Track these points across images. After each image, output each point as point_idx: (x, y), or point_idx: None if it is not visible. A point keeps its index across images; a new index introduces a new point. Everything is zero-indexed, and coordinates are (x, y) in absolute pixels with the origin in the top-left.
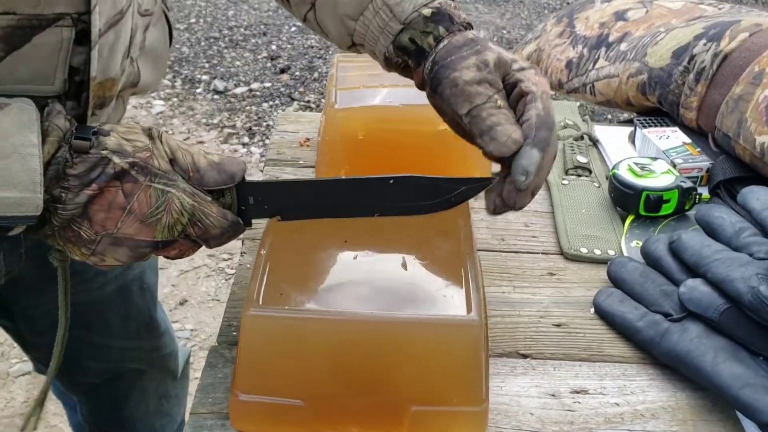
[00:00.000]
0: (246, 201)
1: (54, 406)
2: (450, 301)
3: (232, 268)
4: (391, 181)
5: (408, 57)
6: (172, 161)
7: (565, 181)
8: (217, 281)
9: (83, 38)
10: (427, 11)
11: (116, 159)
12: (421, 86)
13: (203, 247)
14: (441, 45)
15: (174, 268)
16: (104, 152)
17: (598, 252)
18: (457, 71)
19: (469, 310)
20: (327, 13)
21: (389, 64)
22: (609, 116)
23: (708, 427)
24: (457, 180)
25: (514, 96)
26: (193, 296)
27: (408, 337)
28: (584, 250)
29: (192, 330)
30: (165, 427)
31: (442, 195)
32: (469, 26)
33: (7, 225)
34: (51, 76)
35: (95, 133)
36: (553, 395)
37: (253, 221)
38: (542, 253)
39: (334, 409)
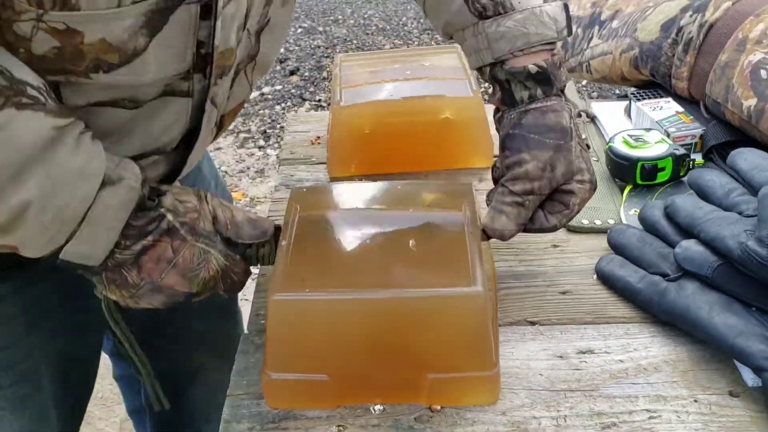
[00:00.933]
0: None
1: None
2: (456, 276)
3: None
4: None
5: (498, 88)
6: (214, 218)
7: None
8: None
9: (205, 13)
10: (533, 68)
11: (170, 217)
12: (495, 110)
13: None
14: (534, 106)
15: None
16: (161, 210)
17: (598, 222)
18: (529, 155)
19: (473, 283)
20: (433, 10)
21: (476, 73)
22: (617, 91)
23: (707, 375)
24: None
25: (559, 199)
26: None
27: (419, 312)
28: (585, 222)
29: None
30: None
31: None
32: (562, 90)
33: (69, 267)
34: (183, 53)
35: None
36: (561, 357)
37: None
38: None
39: (357, 382)
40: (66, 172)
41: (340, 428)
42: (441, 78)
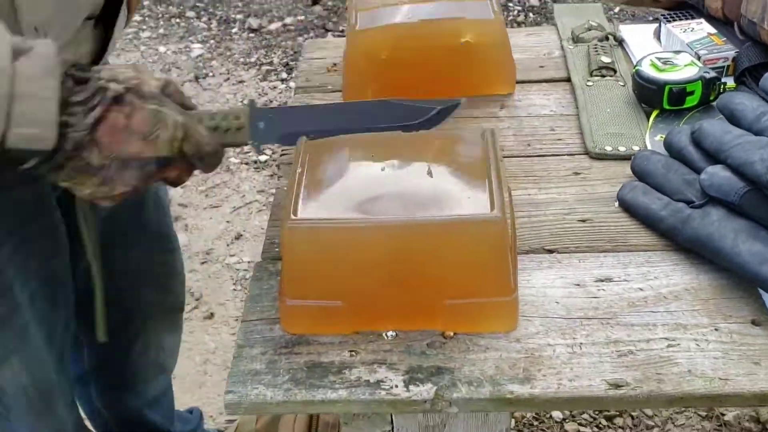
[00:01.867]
0: (256, 126)
1: None
2: (474, 201)
3: None
4: (372, 105)
5: None
6: (164, 86)
7: (589, 83)
8: (269, 215)
9: None
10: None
11: (112, 86)
12: None
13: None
14: None
15: (227, 205)
16: (101, 81)
17: (622, 149)
18: None
19: (492, 208)
20: None
21: None
22: (651, 18)
23: (730, 304)
24: (433, 101)
25: None
26: (247, 230)
27: (437, 237)
28: (608, 148)
29: (249, 262)
30: (158, 378)
31: (424, 115)
32: None
33: (24, 156)
34: None
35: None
36: (578, 285)
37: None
38: (568, 155)
39: (371, 307)
40: None
41: (352, 353)
42: None
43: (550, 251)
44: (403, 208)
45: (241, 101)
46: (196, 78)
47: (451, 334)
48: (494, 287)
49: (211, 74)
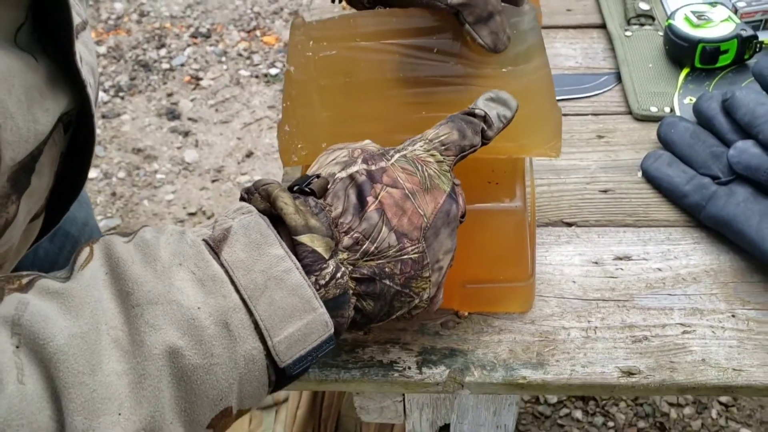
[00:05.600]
0: None
1: None
2: (497, 189)
3: None
4: None
5: None
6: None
7: (628, 32)
8: None
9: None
10: None
11: (352, 169)
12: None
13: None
14: None
15: (237, 121)
16: (339, 174)
17: (654, 109)
18: None
19: (513, 198)
20: None
21: None
22: None
23: (749, 289)
24: None
25: None
26: (258, 148)
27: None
28: (654, 109)
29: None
30: None
31: None
32: None
33: (310, 361)
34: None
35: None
36: (596, 263)
37: None
38: (592, 114)
39: None
40: None
41: (366, 331)
42: None
43: (569, 224)
44: None
45: (251, 8)
46: None
47: (466, 314)
48: (512, 273)
49: None
